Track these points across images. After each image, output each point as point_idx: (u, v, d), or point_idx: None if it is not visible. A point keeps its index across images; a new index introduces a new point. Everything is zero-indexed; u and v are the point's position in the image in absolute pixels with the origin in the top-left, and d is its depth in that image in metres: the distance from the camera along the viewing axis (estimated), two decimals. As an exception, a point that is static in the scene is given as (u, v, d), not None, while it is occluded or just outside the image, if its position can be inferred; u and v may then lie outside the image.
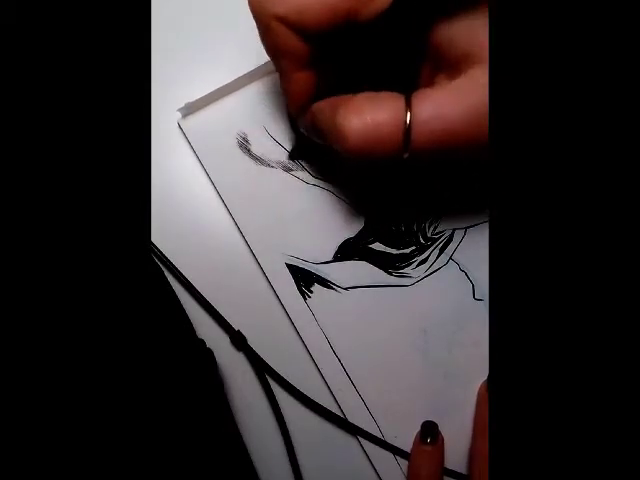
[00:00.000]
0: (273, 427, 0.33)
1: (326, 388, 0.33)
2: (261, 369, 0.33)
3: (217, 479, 0.29)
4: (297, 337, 0.33)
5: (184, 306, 0.32)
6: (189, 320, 0.31)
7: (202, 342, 0.31)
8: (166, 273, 0.33)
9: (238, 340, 0.33)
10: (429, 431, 0.32)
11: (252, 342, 0.33)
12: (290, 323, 0.33)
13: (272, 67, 0.33)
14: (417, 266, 0.34)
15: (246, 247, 0.33)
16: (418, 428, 0.33)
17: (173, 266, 0.33)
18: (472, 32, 0.23)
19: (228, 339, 0.33)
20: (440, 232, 0.34)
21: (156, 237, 0.33)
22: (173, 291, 0.31)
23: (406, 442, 0.33)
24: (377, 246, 0.34)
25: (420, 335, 0.33)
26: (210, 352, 0.31)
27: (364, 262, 0.34)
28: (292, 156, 0.33)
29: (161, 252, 0.33)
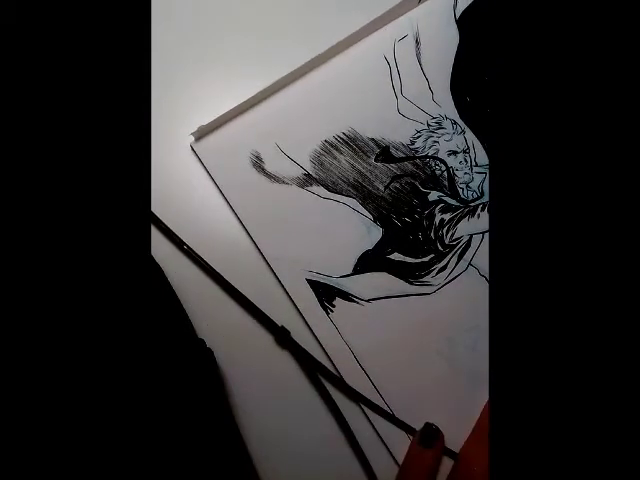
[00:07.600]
0: (277, 427, 0.33)
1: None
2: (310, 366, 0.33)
3: (215, 477, 0.29)
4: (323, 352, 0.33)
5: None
6: (189, 320, 0.31)
7: (202, 342, 0.31)
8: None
9: (283, 336, 0.33)
10: (429, 435, 0.32)
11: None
12: (314, 338, 0.33)
13: (279, 86, 0.34)
14: (437, 274, 0.34)
15: (266, 265, 0.33)
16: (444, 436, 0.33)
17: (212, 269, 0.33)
18: None
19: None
20: (457, 238, 0.34)
21: (176, 261, 0.33)
22: (173, 291, 0.31)
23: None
24: (396, 256, 0.34)
25: (444, 342, 0.33)
26: (210, 351, 0.31)
27: (384, 273, 0.34)
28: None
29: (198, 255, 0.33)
